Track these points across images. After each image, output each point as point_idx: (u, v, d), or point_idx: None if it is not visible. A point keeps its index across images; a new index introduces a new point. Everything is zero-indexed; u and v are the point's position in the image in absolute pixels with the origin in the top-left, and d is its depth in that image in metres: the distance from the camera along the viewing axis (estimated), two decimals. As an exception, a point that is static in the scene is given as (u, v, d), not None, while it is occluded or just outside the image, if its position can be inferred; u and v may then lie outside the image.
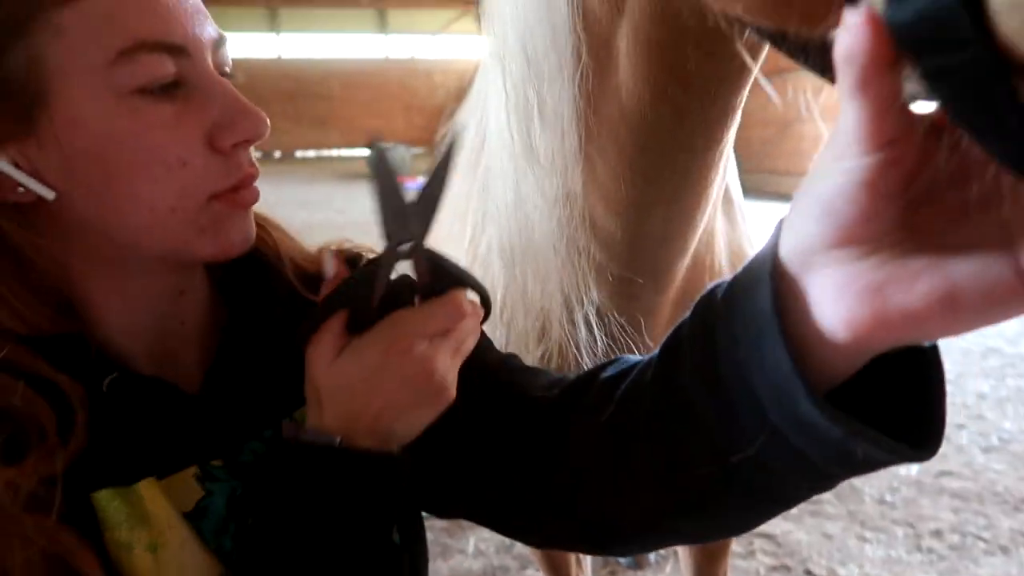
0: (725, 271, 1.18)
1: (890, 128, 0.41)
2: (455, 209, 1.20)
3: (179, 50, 0.65)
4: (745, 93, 0.83)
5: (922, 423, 0.53)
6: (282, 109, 20.33)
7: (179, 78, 0.66)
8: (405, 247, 0.67)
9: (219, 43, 0.71)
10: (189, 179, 0.66)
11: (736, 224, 1.24)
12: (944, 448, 2.55)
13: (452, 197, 1.21)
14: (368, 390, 0.66)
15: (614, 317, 0.98)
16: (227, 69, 0.72)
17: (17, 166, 0.63)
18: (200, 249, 0.69)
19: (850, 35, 0.39)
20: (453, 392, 0.70)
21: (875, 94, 0.40)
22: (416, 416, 0.69)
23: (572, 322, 0.95)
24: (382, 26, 24.51)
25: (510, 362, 0.84)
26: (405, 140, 19.56)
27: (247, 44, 21.91)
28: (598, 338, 0.97)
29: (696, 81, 0.78)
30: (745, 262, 1.27)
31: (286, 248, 0.83)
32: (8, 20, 0.60)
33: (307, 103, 21.79)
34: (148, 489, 0.68)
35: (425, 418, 0.70)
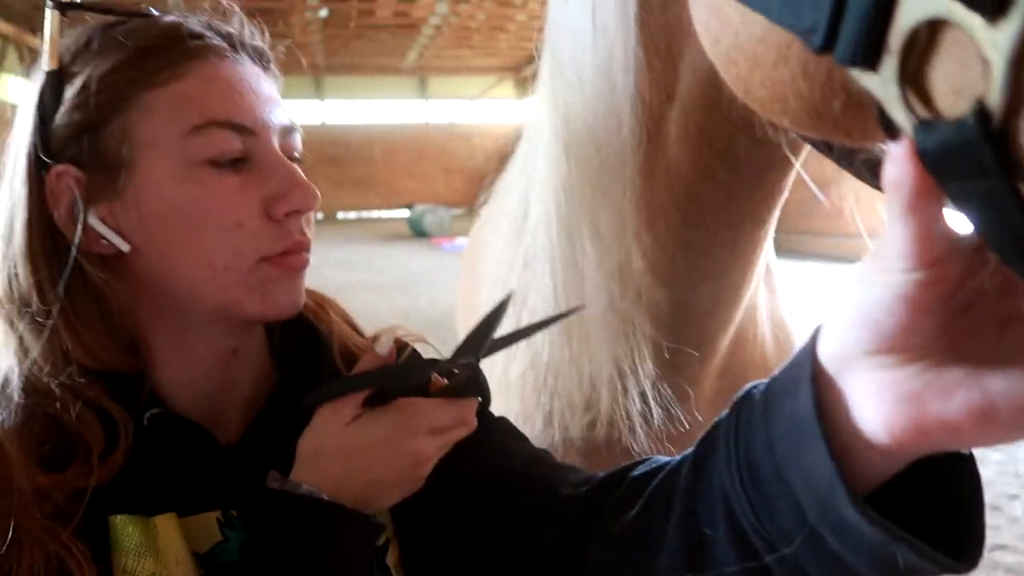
0: (768, 342, 1.18)
1: (935, 248, 0.43)
2: (496, 276, 1.21)
3: (246, 130, 0.74)
4: (793, 174, 0.84)
5: (962, 534, 0.53)
6: (325, 172, 20.93)
7: (245, 154, 0.74)
8: (462, 361, 0.74)
9: (289, 130, 0.80)
10: (242, 240, 0.73)
11: (775, 293, 1.23)
12: (997, 520, 2.47)
13: (494, 265, 1.22)
14: (368, 459, 0.72)
15: (662, 388, 0.98)
16: (296, 154, 0.81)
17: (104, 222, 0.73)
18: (249, 307, 0.76)
19: (895, 166, 0.42)
20: (422, 483, 0.76)
21: (921, 218, 0.42)
22: (394, 493, 0.75)
23: (625, 392, 0.95)
24: (423, 92, 25.28)
25: (545, 458, 0.88)
26: (444, 202, 19.98)
27: (293, 111, 22.68)
28: (653, 409, 0.96)
29: (745, 165, 0.79)
30: (785, 333, 1.24)
31: (339, 330, 0.89)
32: (108, 101, 0.72)
33: (349, 166, 22.42)
34: (166, 523, 0.72)
35: (397, 497, 0.76)
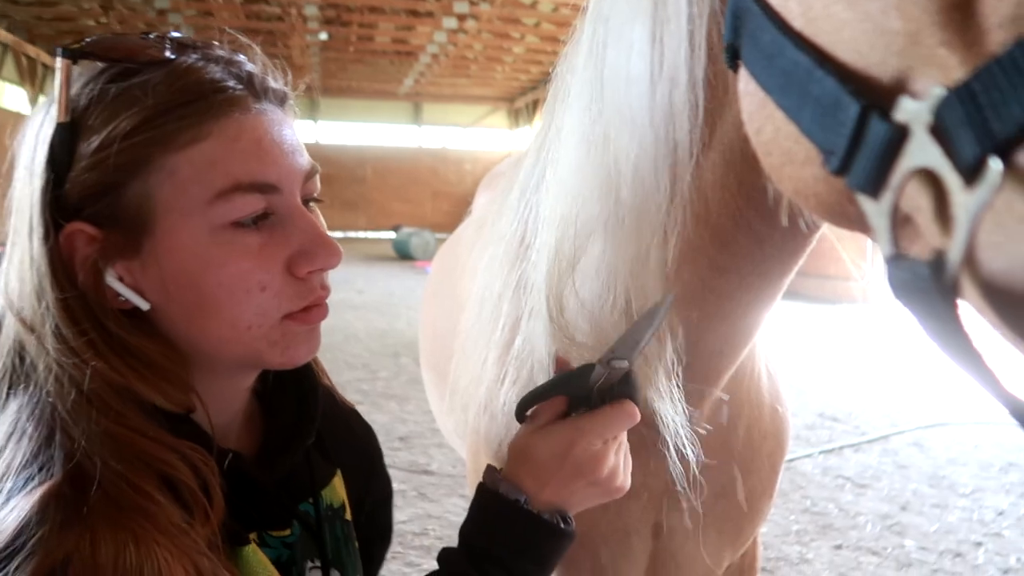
0: (763, 376, 1.21)
1: None
2: (485, 297, 1.21)
3: (271, 188, 0.74)
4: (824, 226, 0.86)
5: None
6: (314, 191, 20.87)
7: (268, 210, 0.75)
8: (616, 362, 0.85)
9: (311, 173, 0.81)
10: (267, 302, 0.75)
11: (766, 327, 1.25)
12: (959, 566, 2.54)
13: (482, 287, 1.23)
14: (553, 467, 0.85)
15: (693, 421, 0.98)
16: (316, 195, 0.83)
17: (121, 279, 0.72)
18: (270, 359, 0.79)
19: None
20: (625, 481, 0.90)
21: None
22: (587, 496, 0.88)
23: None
24: (416, 118, 25.43)
25: None
26: (432, 225, 19.99)
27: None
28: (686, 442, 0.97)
29: (780, 217, 0.80)
30: (774, 368, 1.27)
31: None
32: (130, 162, 0.70)
33: (340, 187, 22.36)
34: (254, 549, 0.78)
35: (594, 499, 0.89)
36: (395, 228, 19.98)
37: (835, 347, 7.71)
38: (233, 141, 0.72)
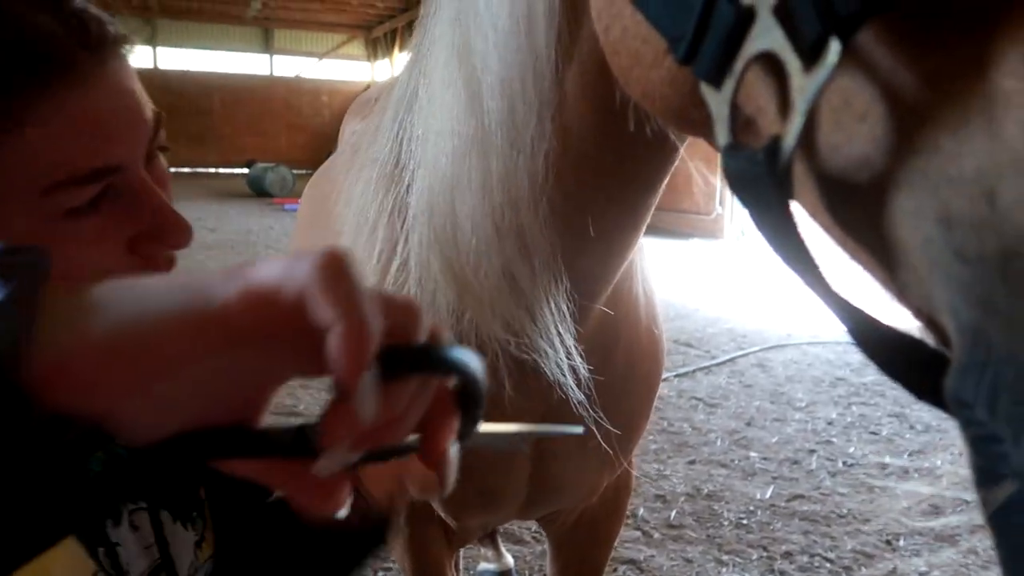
0: (640, 297, 1.23)
1: None
2: (361, 222, 1.16)
3: (115, 170, 0.64)
4: (687, 140, 0.86)
5: None
6: (155, 122, 19.32)
7: (108, 188, 0.65)
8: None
9: (156, 128, 0.70)
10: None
11: (643, 251, 1.28)
12: (796, 472, 2.74)
13: (356, 212, 1.18)
14: None
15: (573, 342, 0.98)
16: (162, 144, 0.73)
17: None
18: None
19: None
20: None
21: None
22: None
23: (542, 338, 0.95)
24: (266, 46, 23.93)
25: None
26: (287, 160, 19.07)
27: (119, 52, 20.73)
28: (574, 356, 0.96)
29: (640, 131, 0.79)
30: (651, 289, 1.27)
31: None
32: None
33: (184, 119, 20.77)
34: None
35: None
36: (248, 163, 18.95)
37: (687, 278, 8.12)
38: (67, 125, 0.61)
